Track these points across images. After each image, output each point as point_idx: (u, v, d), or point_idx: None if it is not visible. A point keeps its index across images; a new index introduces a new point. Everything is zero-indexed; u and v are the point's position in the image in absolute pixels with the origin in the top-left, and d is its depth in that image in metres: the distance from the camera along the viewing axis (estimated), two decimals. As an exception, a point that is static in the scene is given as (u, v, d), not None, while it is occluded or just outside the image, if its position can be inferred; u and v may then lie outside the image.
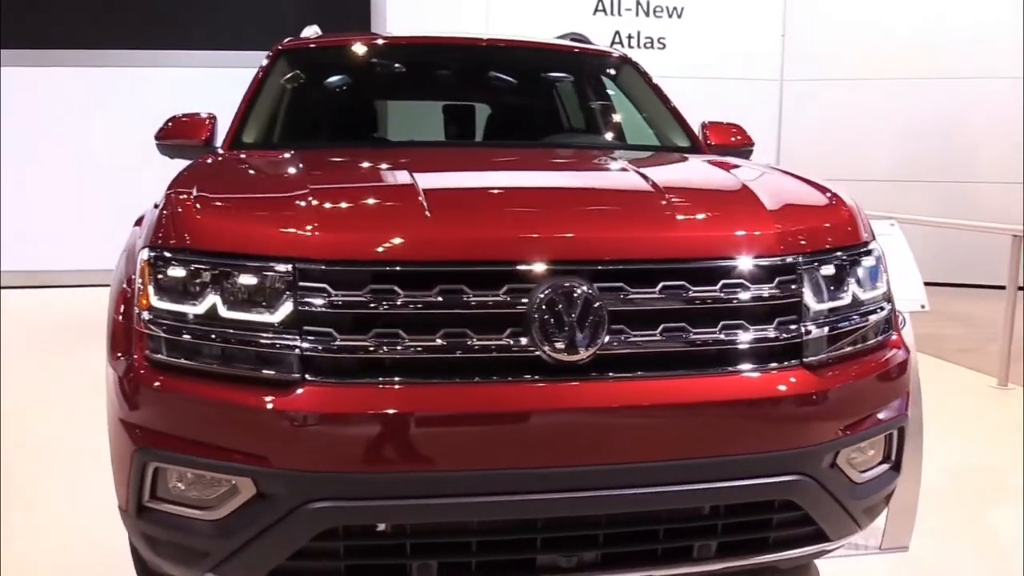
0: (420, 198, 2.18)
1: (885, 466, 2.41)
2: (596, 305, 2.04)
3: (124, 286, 2.28)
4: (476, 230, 2.15)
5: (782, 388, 2.15)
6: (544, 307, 2.02)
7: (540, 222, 2.21)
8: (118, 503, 2.26)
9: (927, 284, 3.25)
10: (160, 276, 2.13)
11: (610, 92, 4.23)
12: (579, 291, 2.03)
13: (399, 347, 2.01)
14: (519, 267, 2.05)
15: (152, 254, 2.17)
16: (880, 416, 2.33)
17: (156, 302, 2.12)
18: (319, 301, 2.02)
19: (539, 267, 2.05)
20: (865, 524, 2.37)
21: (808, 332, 2.21)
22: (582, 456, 2.03)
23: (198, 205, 2.23)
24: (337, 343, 2.01)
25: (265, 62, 3.83)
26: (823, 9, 10.59)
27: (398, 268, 2.03)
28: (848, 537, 2.36)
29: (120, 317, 2.29)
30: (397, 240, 2.07)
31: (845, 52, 10.49)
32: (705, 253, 2.16)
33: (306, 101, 3.86)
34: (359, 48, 4.03)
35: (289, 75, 3.84)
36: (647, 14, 10.74)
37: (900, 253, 3.27)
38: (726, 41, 10.66)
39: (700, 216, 2.37)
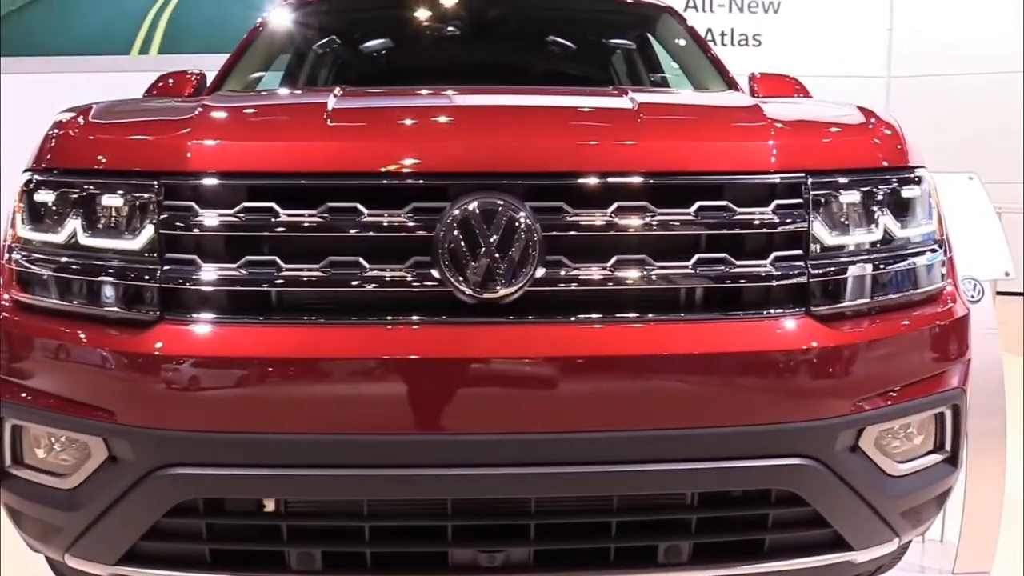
0: (324, 114, 1.78)
1: (936, 457, 1.84)
2: (525, 228, 1.59)
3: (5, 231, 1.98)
4: (377, 136, 1.74)
5: (777, 342, 1.64)
6: (456, 229, 1.59)
7: (459, 128, 1.78)
8: (-9, 471, 1.93)
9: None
10: (30, 202, 1.81)
11: (652, 44, 3.76)
12: (501, 209, 1.59)
13: (275, 279, 1.62)
14: (427, 180, 1.63)
15: (25, 178, 1.85)
16: (922, 389, 1.77)
17: (23, 231, 1.80)
18: (184, 223, 1.64)
19: (453, 180, 1.62)
20: (905, 532, 1.81)
21: (816, 273, 1.69)
22: (504, 421, 1.58)
23: (79, 122, 1.90)
24: (200, 274, 1.63)
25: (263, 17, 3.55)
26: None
27: (276, 181, 1.64)
28: (881, 546, 1.80)
29: None
30: (277, 149, 1.68)
31: (959, 44, 9.60)
32: (675, 166, 1.67)
33: (298, 54, 3.54)
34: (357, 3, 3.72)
35: (283, 29, 3.54)
36: (741, 10, 10.20)
37: (981, 210, 2.67)
38: (827, 37, 9.96)
39: (675, 124, 1.88)
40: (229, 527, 1.68)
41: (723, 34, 10.12)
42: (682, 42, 3.60)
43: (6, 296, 1.82)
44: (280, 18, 3.56)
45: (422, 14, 3.79)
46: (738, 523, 1.70)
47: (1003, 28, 9.41)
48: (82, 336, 1.68)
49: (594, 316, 1.63)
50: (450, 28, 3.82)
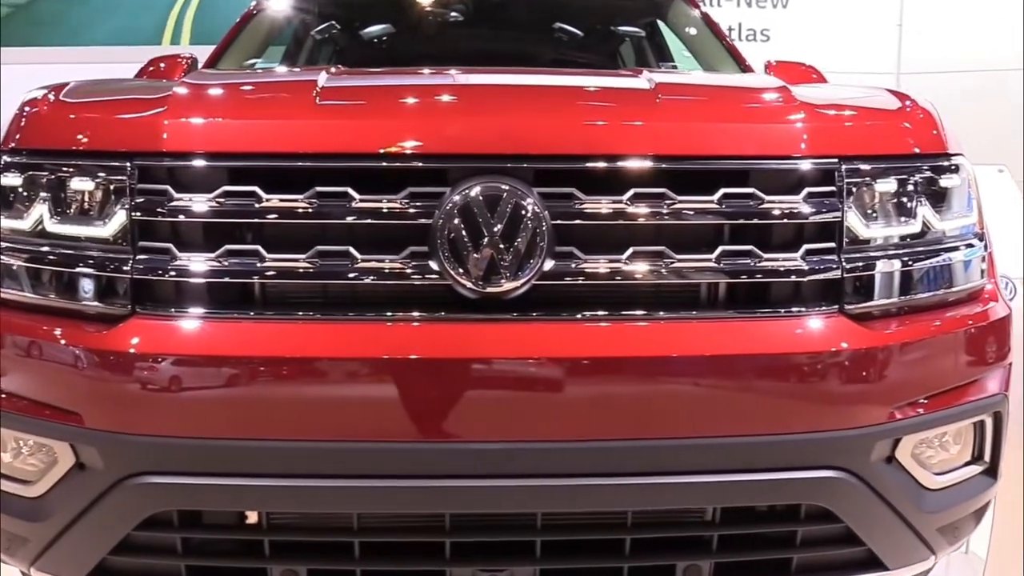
0: (313, 91, 1.63)
1: (974, 468, 1.70)
2: (532, 216, 1.45)
3: None
4: (370, 115, 1.60)
5: (809, 343, 1.50)
6: (456, 217, 1.44)
7: (461, 107, 1.64)
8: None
9: None
10: None
11: (662, 31, 3.62)
12: (506, 195, 1.45)
13: (257, 270, 1.48)
14: (425, 163, 1.49)
15: None
16: (963, 394, 1.63)
17: None
18: (159, 208, 1.50)
19: (453, 162, 1.48)
20: (942, 549, 1.67)
21: (851, 267, 1.55)
22: (507, 428, 1.44)
23: (50, 100, 1.75)
24: (176, 264, 1.49)
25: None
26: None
27: (260, 163, 1.50)
28: (917, 566, 1.66)
29: None
30: (261, 127, 1.54)
31: (971, 40, 9.42)
32: (696, 149, 1.53)
33: (296, 40, 3.40)
34: None
35: (280, 12, 3.39)
36: (749, 4, 10.04)
37: (1010, 205, 2.53)
38: (836, 32, 9.81)
39: (696, 105, 1.73)
40: (207, 541, 1.55)
41: (731, 29, 9.93)
42: (695, 29, 3.46)
43: None
44: (277, 1, 3.41)
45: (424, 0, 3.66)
46: (763, 541, 1.56)
47: (1015, 24, 9.24)
48: (46, 331, 1.54)
49: (607, 313, 1.49)
50: (452, 14, 3.67)
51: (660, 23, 3.66)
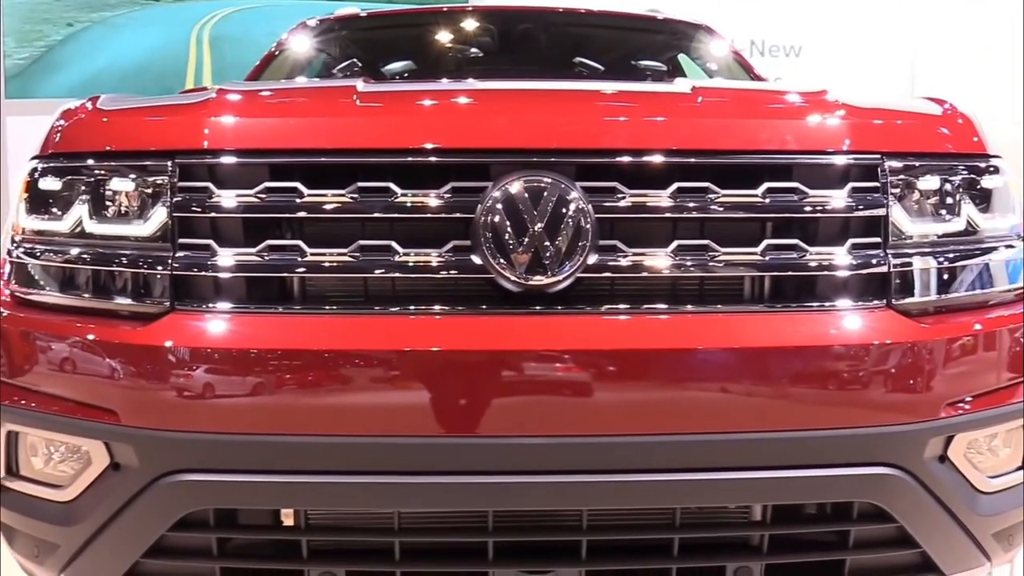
0: (353, 95, 1.64)
1: (1026, 474, 1.66)
2: (576, 210, 1.44)
3: None
4: (412, 111, 1.60)
5: (863, 337, 1.47)
6: (500, 211, 1.43)
7: (504, 103, 1.64)
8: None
9: None
10: (34, 190, 1.68)
11: (686, 64, 3.65)
12: (550, 189, 1.44)
13: (299, 265, 1.47)
14: (468, 157, 1.48)
15: (31, 166, 1.72)
16: (1012, 394, 1.59)
17: (25, 222, 1.67)
18: (199, 205, 1.50)
19: (497, 157, 1.48)
20: (998, 557, 1.61)
21: (898, 263, 1.53)
22: (554, 423, 1.41)
23: (87, 108, 1.77)
24: (216, 260, 1.48)
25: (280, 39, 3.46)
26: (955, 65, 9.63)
27: (302, 159, 1.49)
28: (973, 572, 1.60)
29: None
30: (303, 124, 1.54)
31: (978, 99, 9.45)
32: (739, 144, 1.52)
33: (318, 75, 3.44)
34: (377, 21, 3.63)
35: (303, 51, 3.43)
36: (762, 54, 10.15)
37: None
38: (848, 83, 9.89)
39: (736, 103, 1.73)
40: (242, 543, 1.51)
41: (743, 78, 10.07)
42: (721, 62, 3.48)
43: (6, 292, 1.68)
44: (299, 41, 3.46)
45: (445, 37, 3.71)
46: (815, 543, 1.52)
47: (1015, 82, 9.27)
48: (82, 329, 1.53)
49: (651, 307, 1.47)
50: (473, 51, 3.72)
51: (683, 58, 3.70)
